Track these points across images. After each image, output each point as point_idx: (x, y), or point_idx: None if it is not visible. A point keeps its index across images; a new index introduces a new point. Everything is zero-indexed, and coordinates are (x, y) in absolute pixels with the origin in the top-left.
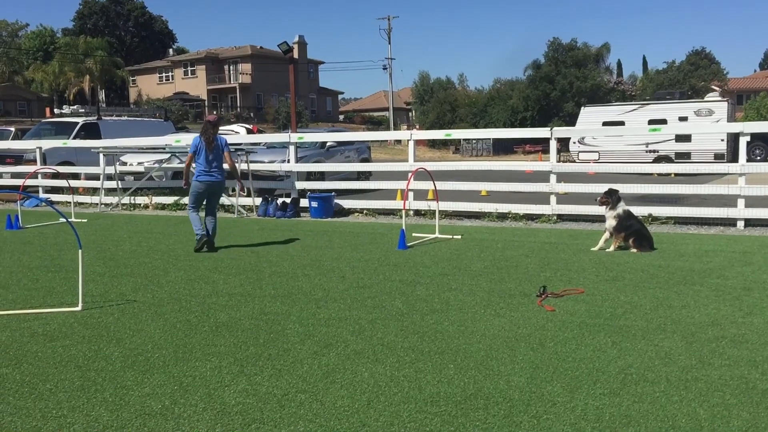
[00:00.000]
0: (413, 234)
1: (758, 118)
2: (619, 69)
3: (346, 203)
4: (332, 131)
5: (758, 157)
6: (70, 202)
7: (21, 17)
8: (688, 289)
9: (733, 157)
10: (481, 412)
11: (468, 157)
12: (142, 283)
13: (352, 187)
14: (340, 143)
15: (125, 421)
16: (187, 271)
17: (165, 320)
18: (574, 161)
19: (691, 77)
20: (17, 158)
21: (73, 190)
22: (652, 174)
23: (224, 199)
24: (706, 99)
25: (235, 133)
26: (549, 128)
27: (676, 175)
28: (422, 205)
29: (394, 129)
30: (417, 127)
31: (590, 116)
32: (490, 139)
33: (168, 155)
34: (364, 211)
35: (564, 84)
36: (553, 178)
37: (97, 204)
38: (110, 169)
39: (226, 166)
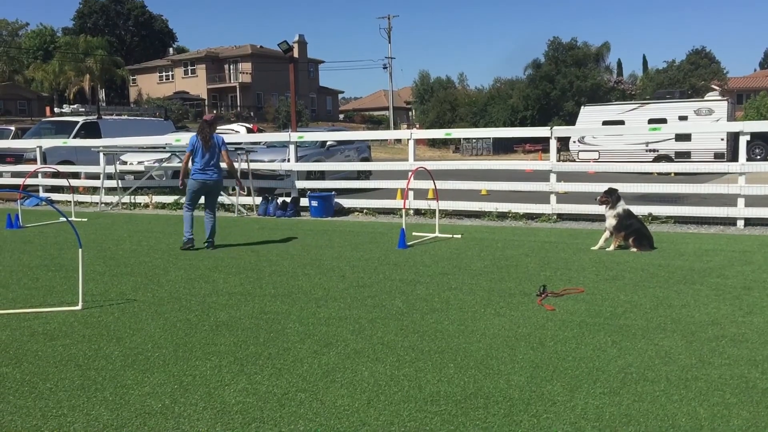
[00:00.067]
0: (413, 233)
1: (758, 118)
2: (619, 68)
3: (346, 202)
4: (332, 130)
5: (758, 157)
6: (70, 202)
7: (21, 16)
8: (688, 288)
9: (733, 156)
10: (481, 411)
11: (468, 157)
12: (142, 282)
13: (353, 186)
14: (340, 142)
15: (125, 420)
16: (187, 270)
17: (165, 319)
18: (574, 160)
19: (691, 76)
20: (17, 157)
21: (74, 190)
22: (652, 173)
23: (224, 199)
24: (706, 98)
25: (235, 132)
26: (549, 127)
27: (676, 174)
28: (422, 204)
29: (394, 128)
30: (417, 126)
31: (590, 115)
32: (490, 138)
33: (168, 154)
34: (364, 211)
35: (564, 83)
36: (553, 177)
37: (98, 203)
38: (110, 169)
39: (224, 165)
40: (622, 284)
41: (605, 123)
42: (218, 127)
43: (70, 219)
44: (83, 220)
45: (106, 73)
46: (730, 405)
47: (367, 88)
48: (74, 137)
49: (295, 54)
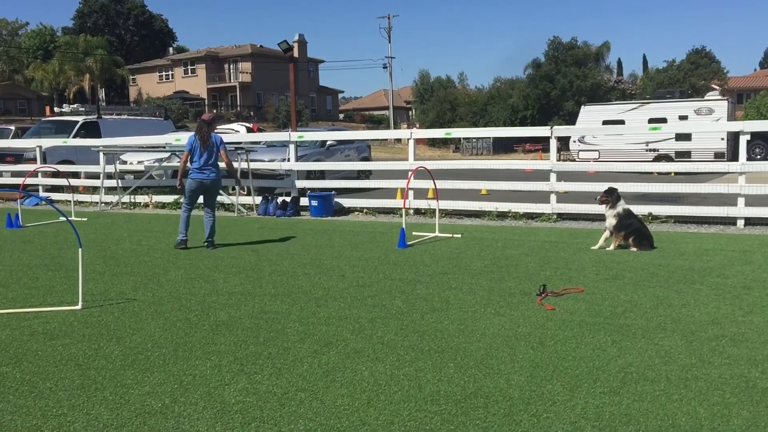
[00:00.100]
0: (413, 233)
1: (758, 117)
2: (620, 68)
3: (346, 202)
4: (332, 130)
5: (758, 156)
6: (70, 201)
7: (21, 16)
8: (688, 288)
9: (733, 155)
10: (481, 411)
11: (468, 156)
12: (142, 282)
13: (352, 185)
14: (340, 142)
15: (125, 420)
16: (187, 269)
17: (165, 319)
18: (574, 160)
19: (691, 76)
20: (17, 157)
21: (73, 189)
22: (652, 173)
23: (224, 198)
24: (706, 98)
25: (235, 132)
26: (549, 127)
27: (676, 173)
28: (422, 203)
29: (394, 128)
30: (417, 125)
31: (590, 115)
32: (490, 137)
33: (168, 154)
34: (364, 210)
35: (564, 83)
36: (553, 176)
37: (97, 203)
38: (110, 168)
39: (223, 164)
40: (622, 284)
41: (605, 122)
42: (218, 127)
43: (69, 218)
44: (83, 219)
45: (106, 73)
46: (730, 404)
47: (367, 87)
48: (74, 137)
49: (295, 53)
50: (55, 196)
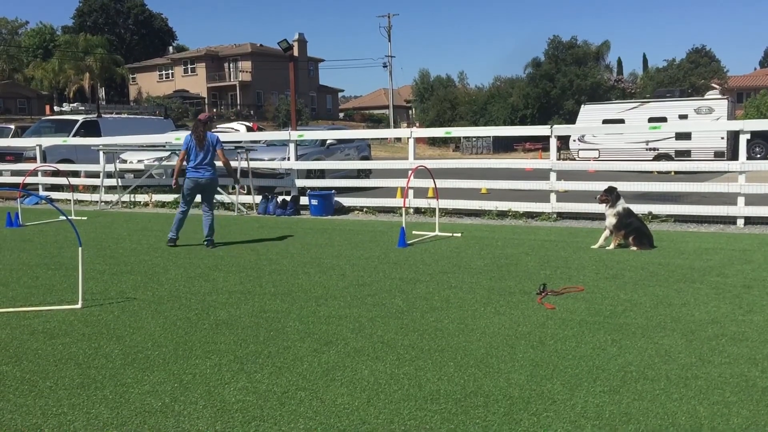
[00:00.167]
0: (413, 232)
1: (758, 116)
2: (620, 67)
3: (346, 201)
4: (332, 129)
5: (758, 155)
6: (70, 200)
7: (21, 15)
8: (688, 287)
9: (733, 155)
10: (481, 410)
11: (468, 155)
12: (142, 281)
13: (352, 185)
14: (340, 141)
15: (125, 419)
16: (187, 268)
17: (165, 318)
18: (574, 159)
19: (691, 75)
20: (17, 156)
21: (73, 188)
22: (652, 172)
23: (224, 197)
24: (706, 97)
25: (235, 131)
26: (549, 126)
27: (676, 173)
28: (422, 203)
29: (394, 127)
30: (417, 125)
31: (590, 114)
32: (490, 137)
33: (168, 153)
34: (364, 209)
35: (564, 82)
36: (553, 176)
37: (97, 202)
38: (110, 167)
39: (219, 163)
40: (622, 283)
41: (605, 122)
42: (218, 126)
43: (69, 217)
44: (83, 218)
45: (105, 72)
46: (730, 403)
47: (367, 86)
48: (74, 136)
49: (295, 52)
50: (54, 195)
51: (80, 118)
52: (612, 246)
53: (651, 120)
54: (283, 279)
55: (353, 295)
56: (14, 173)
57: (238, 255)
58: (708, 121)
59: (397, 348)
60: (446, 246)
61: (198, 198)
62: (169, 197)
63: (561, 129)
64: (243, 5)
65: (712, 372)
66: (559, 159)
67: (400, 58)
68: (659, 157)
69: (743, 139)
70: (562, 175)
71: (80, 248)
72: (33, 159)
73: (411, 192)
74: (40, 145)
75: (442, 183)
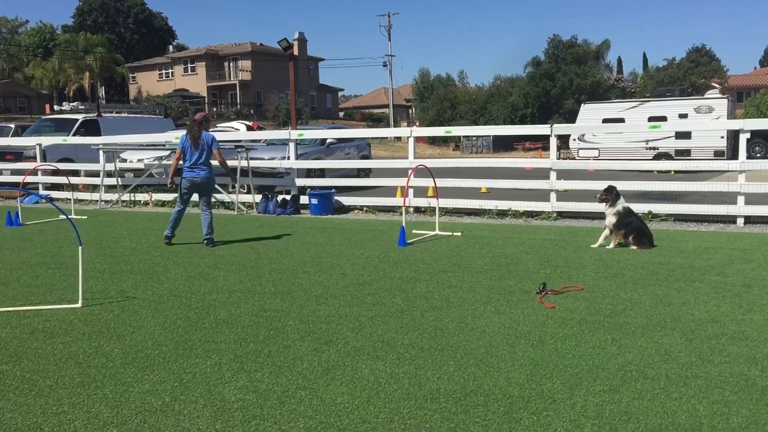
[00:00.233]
0: (413, 231)
1: (758, 116)
2: (620, 66)
3: (346, 200)
4: (332, 128)
5: (758, 155)
6: (70, 199)
7: (21, 14)
8: (687, 286)
9: (733, 154)
10: (481, 409)
11: (468, 154)
12: (142, 280)
13: (352, 184)
14: (340, 140)
15: (125, 418)
16: (187, 268)
17: (165, 317)
18: (574, 158)
19: (691, 74)
20: (17, 155)
21: (73, 187)
22: (652, 171)
23: (224, 196)
24: (706, 96)
25: (236, 130)
26: (549, 125)
27: (676, 172)
28: (422, 202)
29: (394, 126)
30: (417, 124)
31: (590, 113)
32: (490, 136)
33: (168, 152)
34: (364, 208)
35: (564, 81)
36: (553, 175)
37: (97, 201)
38: (110, 166)
39: (215, 162)
40: (622, 282)
41: (605, 121)
42: (219, 125)
43: (69, 217)
44: (83, 217)
45: (105, 71)
46: (729, 403)
47: (367, 85)
48: (74, 135)
49: (295, 51)
50: (54, 194)
51: (80, 117)
52: (612, 245)
53: (651, 119)
54: (283, 278)
55: (353, 294)
56: (14, 172)
57: (238, 254)
58: (708, 120)
59: (397, 347)
60: (446, 245)
61: (195, 197)
62: (169, 196)
63: (561, 128)
64: (243, 4)
65: (711, 371)
66: (559, 158)
67: (400, 58)
68: (659, 157)
69: (743, 139)
70: (562, 175)
71: (80, 247)
72: (33, 158)
73: (411, 191)
74: (40, 144)
75: (442, 182)
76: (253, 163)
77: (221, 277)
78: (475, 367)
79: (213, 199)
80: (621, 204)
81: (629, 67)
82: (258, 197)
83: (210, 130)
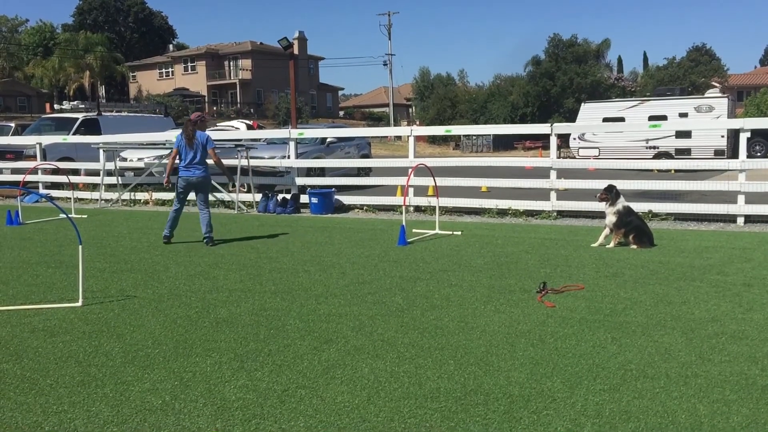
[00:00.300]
0: (413, 230)
1: (758, 115)
2: (620, 65)
3: (347, 199)
4: (332, 127)
5: (758, 154)
6: (70, 198)
7: (21, 13)
8: (688, 286)
9: (734, 153)
10: (481, 408)
11: (468, 153)
12: (142, 279)
13: (353, 183)
14: (340, 139)
15: (126, 417)
16: (187, 266)
17: (165, 316)
18: (575, 157)
19: (691, 73)
20: (17, 154)
21: (73, 186)
22: (652, 170)
23: (224, 195)
24: (706, 95)
25: (236, 129)
26: (549, 124)
27: (676, 171)
28: (422, 201)
29: (394, 125)
30: (417, 123)
31: (590, 112)
32: (490, 135)
33: (168, 151)
34: (365, 207)
35: (564, 80)
36: (553, 174)
37: (97, 200)
38: (110, 165)
39: (211, 161)
40: (622, 281)
41: (605, 120)
42: (219, 124)
43: (69, 216)
44: (83, 216)
45: (105, 70)
46: (729, 402)
47: (368, 84)
48: (74, 134)
49: (295, 51)
50: (55, 193)
51: (80, 116)
52: (612, 244)
53: (651, 118)
54: (283, 277)
55: (353, 293)
56: (14, 171)
57: (238, 253)
58: (708, 119)
59: (397, 346)
60: (446, 244)
61: (192, 196)
62: (169, 195)
63: (561, 127)
64: (243, 3)
65: (712, 370)
66: (559, 157)
67: (400, 57)
68: (659, 156)
69: (743, 138)
70: (562, 174)
71: (80, 246)
72: (33, 157)
73: (411, 190)
74: (40, 143)
75: (442, 181)
76: (254, 162)
77: (221, 276)
78: (476, 366)
79: (213, 198)
80: (621, 203)
81: (629, 66)
82: (258, 196)
83: (210, 129)
